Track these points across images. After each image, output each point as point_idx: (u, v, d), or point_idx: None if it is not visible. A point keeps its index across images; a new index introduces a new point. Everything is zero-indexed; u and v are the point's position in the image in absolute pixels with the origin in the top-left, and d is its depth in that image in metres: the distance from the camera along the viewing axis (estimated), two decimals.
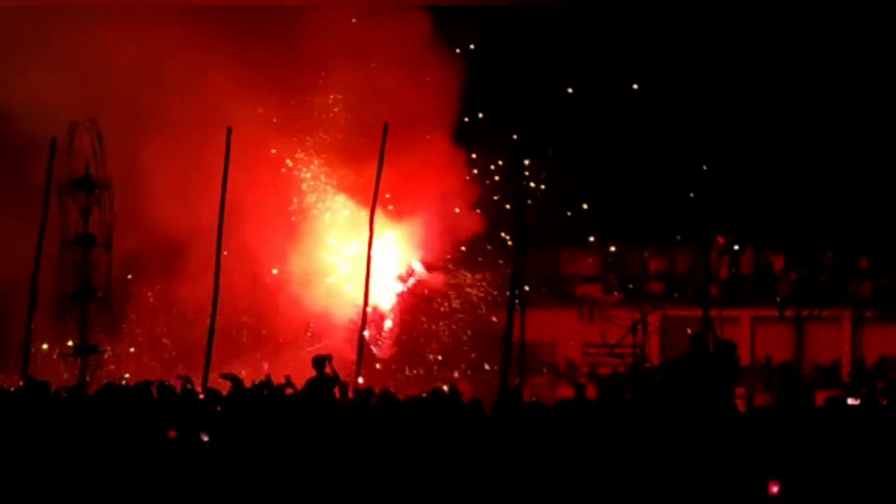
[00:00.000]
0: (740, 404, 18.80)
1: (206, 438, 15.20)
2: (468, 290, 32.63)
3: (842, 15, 28.98)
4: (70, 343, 27.87)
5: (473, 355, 32.00)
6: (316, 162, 31.46)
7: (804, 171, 29.48)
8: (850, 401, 20.18)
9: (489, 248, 32.08)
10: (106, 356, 28.20)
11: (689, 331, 23.73)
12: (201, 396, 20.56)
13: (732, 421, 13.98)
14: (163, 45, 29.02)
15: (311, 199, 31.83)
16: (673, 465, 12.33)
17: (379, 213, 27.55)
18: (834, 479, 11.76)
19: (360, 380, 25.22)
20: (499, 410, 18.05)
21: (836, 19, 29.16)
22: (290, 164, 31.30)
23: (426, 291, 32.63)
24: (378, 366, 30.04)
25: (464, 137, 31.55)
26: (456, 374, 30.85)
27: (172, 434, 15.38)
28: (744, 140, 30.05)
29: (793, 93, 30.18)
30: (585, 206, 32.68)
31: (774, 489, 11.22)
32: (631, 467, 12.58)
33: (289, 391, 20.26)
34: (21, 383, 21.52)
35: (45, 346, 28.35)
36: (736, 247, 31.81)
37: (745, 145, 30.14)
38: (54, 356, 28.45)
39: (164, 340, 30.87)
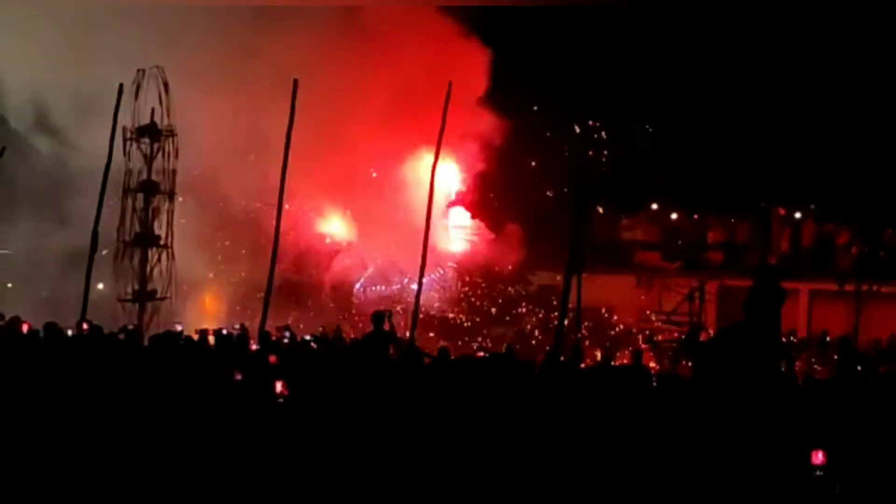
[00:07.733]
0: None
1: (280, 388, 15.16)
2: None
3: None
4: (129, 289, 28.03)
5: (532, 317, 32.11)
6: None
7: (868, 145, 29.24)
8: None
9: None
10: (164, 303, 28.24)
11: None
12: (254, 347, 20.75)
13: (784, 389, 13.96)
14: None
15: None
16: (720, 431, 12.37)
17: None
18: (883, 451, 11.76)
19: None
20: (553, 372, 18.14)
21: None
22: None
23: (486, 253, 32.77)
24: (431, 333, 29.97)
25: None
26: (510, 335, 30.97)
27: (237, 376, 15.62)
28: (810, 113, 29.87)
29: (862, 70, 29.99)
30: (646, 174, 32.67)
31: (819, 457, 11.20)
32: (679, 432, 12.62)
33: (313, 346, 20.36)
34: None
35: (100, 286, 28.29)
36: (797, 214, 31.61)
37: (811, 118, 29.97)
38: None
39: (224, 289, 31.11)
